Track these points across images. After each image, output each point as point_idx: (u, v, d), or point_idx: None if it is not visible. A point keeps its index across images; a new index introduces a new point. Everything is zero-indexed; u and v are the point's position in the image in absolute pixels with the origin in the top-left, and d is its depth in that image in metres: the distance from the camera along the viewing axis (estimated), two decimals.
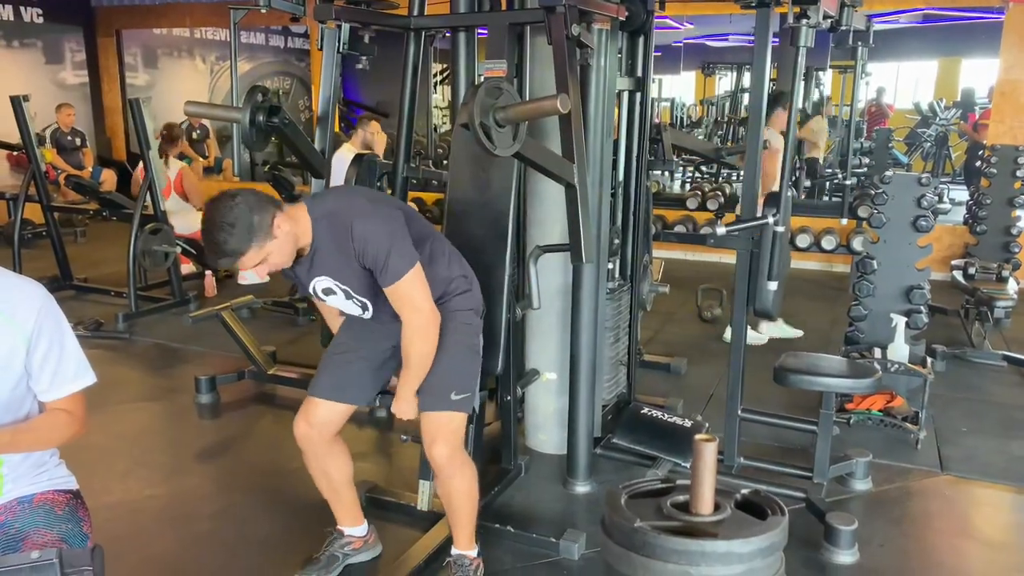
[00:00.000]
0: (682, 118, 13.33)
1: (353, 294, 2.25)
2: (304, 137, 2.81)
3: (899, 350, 3.93)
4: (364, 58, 3.14)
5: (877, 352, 3.97)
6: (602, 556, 1.61)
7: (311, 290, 2.29)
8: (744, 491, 1.59)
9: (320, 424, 2.35)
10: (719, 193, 8.26)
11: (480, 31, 3.12)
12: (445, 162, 2.69)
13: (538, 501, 2.99)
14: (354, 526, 2.54)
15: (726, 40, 13.03)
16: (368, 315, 2.33)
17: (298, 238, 2.13)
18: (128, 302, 5.25)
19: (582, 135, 2.40)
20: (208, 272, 6.02)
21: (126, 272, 5.26)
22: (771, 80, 7.31)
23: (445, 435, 2.26)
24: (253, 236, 2.00)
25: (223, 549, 2.72)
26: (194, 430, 3.73)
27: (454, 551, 2.45)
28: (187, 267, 6.16)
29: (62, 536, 1.71)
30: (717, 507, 1.50)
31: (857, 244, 6.64)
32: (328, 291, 2.26)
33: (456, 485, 2.32)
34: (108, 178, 8.65)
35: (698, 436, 1.48)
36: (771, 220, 2.84)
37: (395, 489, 2.93)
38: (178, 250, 5.54)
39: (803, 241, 7.01)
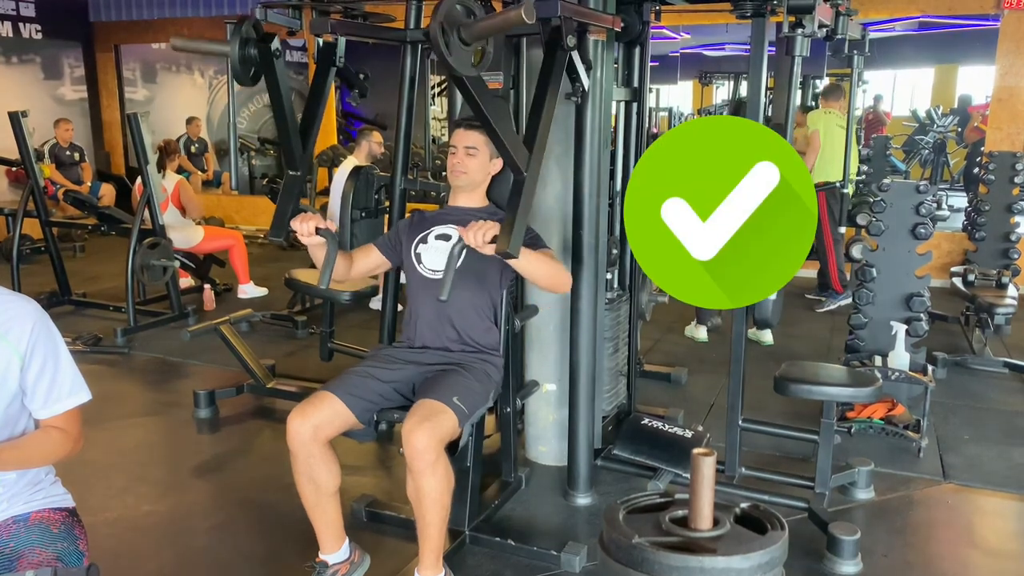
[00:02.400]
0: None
1: (464, 252, 2.47)
2: (290, 96, 2.67)
3: (900, 358, 3.92)
4: (356, 91, 3.13)
5: (878, 360, 3.96)
6: (601, 572, 1.60)
7: (425, 234, 2.60)
8: (743, 505, 1.58)
9: (317, 421, 2.29)
10: None
11: None
12: (443, 173, 2.70)
13: (538, 513, 2.97)
14: (336, 549, 2.45)
15: (723, 50, 13.07)
16: (441, 274, 2.47)
17: (483, 186, 2.64)
18: (127, 317, 5.24)
19: (547, 133, 2.42)
20: (207, 286, 6.01)
21: (125, 287, 5.25)
22: (768, 89, 7.32)
23: (431, 425, 2.21)
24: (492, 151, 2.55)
25: (220, 565, 2.70)
26: (193, 445, 3.72)
27: None
28: (186, 281, 6.15)
29: (58, 555, 1.70)
30: (716, 522, 1.49)
31: (856, 252, 6.61)
32: (445, 237, 2.58)
33: (427, 485, 2.23)
34: (107, 193, 8.67)
35: (696, 450, 1.46)
36: None
37: (395, 503, 2.91)
38: (177, 264, 5.54)
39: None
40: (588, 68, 2.69)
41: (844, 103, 6.26)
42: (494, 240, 2.21)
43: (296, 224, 2.34)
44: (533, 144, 2.37)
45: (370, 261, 2.70)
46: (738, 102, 5.74)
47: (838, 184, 5.85)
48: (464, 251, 2.31)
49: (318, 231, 2.32)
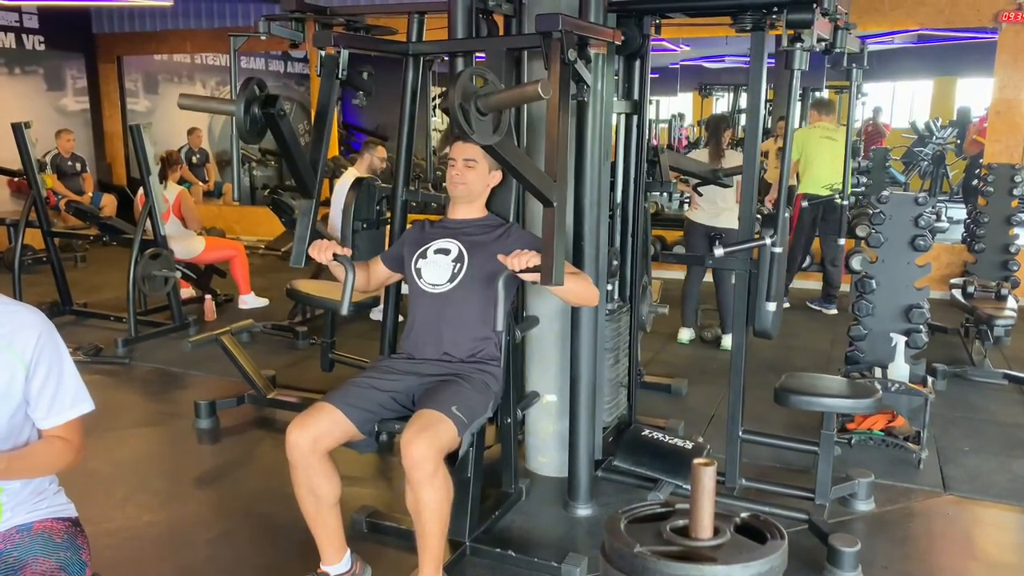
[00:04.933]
0: (677, 137, 13.37)
1: (464, 266, 2.57)
2: (298, 143, 2.73)
3: (899, 369, 3.92)
4: (361, 93, 3.15)
5: (877, 372, 3.97)
6: None
7: (424, 249, 2.62)
8: (743, 515, 1.58)
9: (316, 432, 2.30)
10: None
11: (478, 56, 3.15)
12: (444, 184, 2.71)
13: (539, 525, 2.97)
14: (337, 560, 2.46)
15: (722, 62, 13.13)
16: (441, 288, 2.57)
17: (482, 197, 2.66)
18: (128, 327, 5.24)
19: (566, 156, 2.43)
20: (207, 296, 6.02)
21: (126, 297, 5.26)
22: (767, 101, 7.37)
23: (430, 435, 2.22)
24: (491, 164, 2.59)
25: None
26: (193, 455, 3.72)
27: None
28: (187, 292, 6.16)
29: (61, 564, 1.70)
30: (716, 531, 1.50)
31: (856, 263, 6.63)
32: (444, 251, 2.61)
33: (426, 496, 2.23)
34: (108, 203, 8.69)
35: (696, 460, 1.47)
36: (769, 241, 2.85)
37: (395, 514, 2.91)
38: (178, 275, 5.55)
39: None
40: (588, 61, 2.70)
41: (835, 116, 6.32)
42: (536, 269, 2.26)
43: (313, 252, 2.50)
44: (555, 172, 2.36)
45: (379, 275, 2.79)
46: (719, 117, 5.82)
47: (837, 196, 5.87)
48: (513, 281, 2.43)
49: (335, 257, 2.49)
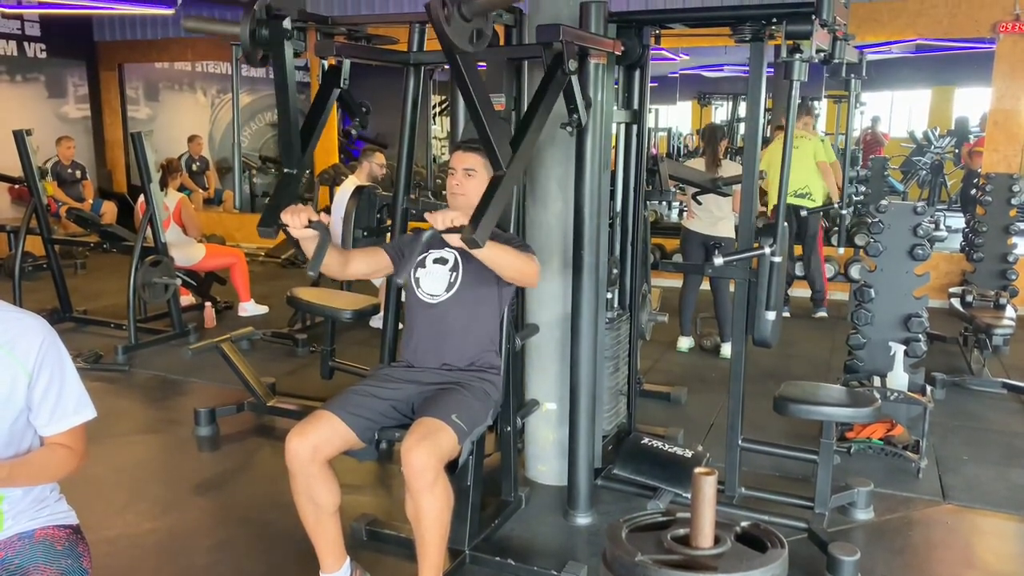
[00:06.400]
0: (679, 147, 13.42)
1: (460, 274, 2.55)
2: (295, 96, 2.58)
3: (898, 378, 3.93)
4: (356, 120, 3.17)
5: (876, 380, 3.97)
6: None
7: (423, 258, 2.60)
8: (744, 524, 1.59)
9: (316, 440, 2.30)
10: None
11: (479, 64, 3.17)
12: (444, 192, 2.71)
13: (538, 533, 2.97)
14: (337, 568, 2.45)
15: (721, 71, 13.16)
16: (440, 299, 2.56)
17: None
18: (128, 334, 5.24)
19: (535, 139, 2.44)
20: (207, 304, 6.03)
21: (126, 304, 5.27)
22: (766, 110, 7.39)
23: (430, 443, 2.22)
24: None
25: None
26: (193, 463, 3.72)
27: None
28: (187, 299, 6.16)
29: (62, 572, 1.71)
30: (717, 540, 1.50)
31: (855, 272, 6.67)
32: (442, 261, 2.60)
33: (426, 504, 2.23)
34: (108, 210, 8.71)
35: (697, 469, 1.48)
36: (768, 250, 2.86)
37: (395, 522, 2.91)
38: (178, 282, 5.55)
39: (801, 269, 7.03)
40: (588, 105, 2.73)
41: (809, 119, 6.27)
42: (460, 229, 2.14)
43: (287, 216, 2.25)
44: (519, 145, 2.34)
45: (376, 262, 2.65)
46: (715, 126, 5.81)
47: (837, 205, 5.90)
48: (432, 238, 2.26)
49: (310, 223, 2.25)
